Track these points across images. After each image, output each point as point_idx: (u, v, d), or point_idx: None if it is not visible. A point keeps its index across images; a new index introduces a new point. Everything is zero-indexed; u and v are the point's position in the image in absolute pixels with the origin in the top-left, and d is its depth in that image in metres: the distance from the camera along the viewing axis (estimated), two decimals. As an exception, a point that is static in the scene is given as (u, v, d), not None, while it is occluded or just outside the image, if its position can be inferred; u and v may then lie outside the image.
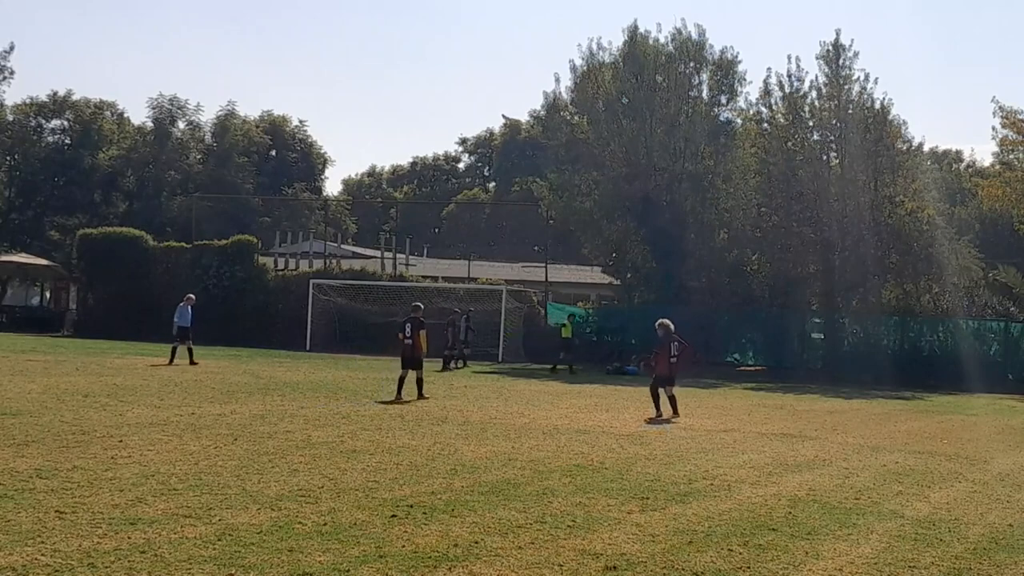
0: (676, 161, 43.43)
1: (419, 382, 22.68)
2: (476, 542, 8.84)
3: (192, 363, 29.65)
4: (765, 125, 44.41)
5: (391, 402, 21.39)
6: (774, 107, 43.78)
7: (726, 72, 44.59)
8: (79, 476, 10.82)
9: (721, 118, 45.34)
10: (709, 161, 44.12)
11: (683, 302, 41.48)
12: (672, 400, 21.15)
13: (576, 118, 46.30)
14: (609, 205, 44.44)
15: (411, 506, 10.13)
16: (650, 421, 19.91)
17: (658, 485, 12.12)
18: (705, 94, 44.90)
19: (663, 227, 42.55)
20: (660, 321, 22.08)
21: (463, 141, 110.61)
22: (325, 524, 9.19)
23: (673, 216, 42.69)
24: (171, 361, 29.66)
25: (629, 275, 46.38)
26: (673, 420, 20.23)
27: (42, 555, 7.76)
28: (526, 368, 37.69)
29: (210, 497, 10.06)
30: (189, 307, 31.31)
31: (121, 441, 13.55)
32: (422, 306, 24.17)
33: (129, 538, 8.36)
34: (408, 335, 22.62)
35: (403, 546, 8.60)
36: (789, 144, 43.08)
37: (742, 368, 39.08)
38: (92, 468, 11.35)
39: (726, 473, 13.34)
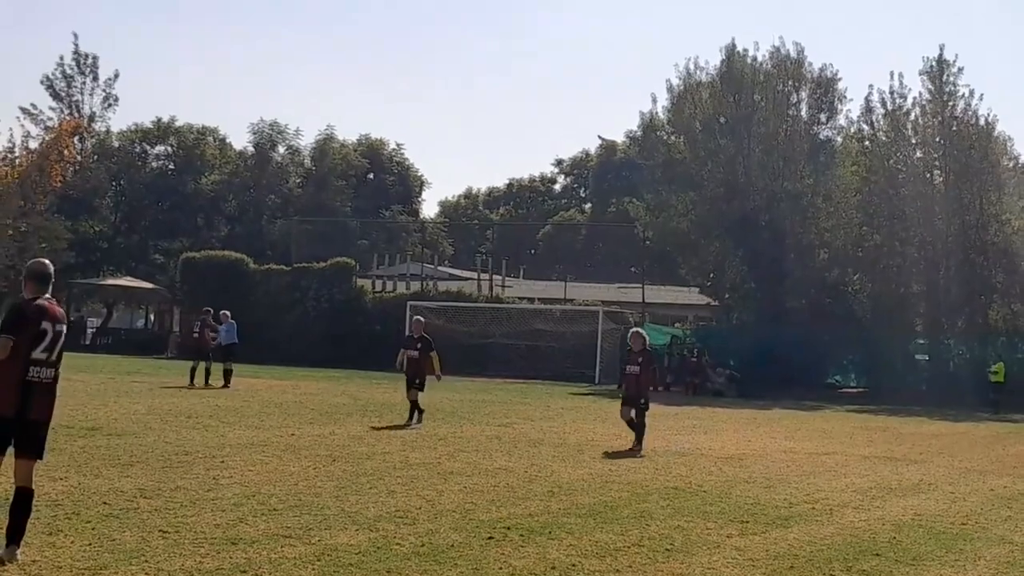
0: (775, 180, 42.98)
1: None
2: (574, 565, 8.77)
3: (225, 386, 28.17)
4: (866, 143, 43.84)
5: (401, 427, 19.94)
6: (876, 124, 43.22)
7: (826, 90, 44.09)
8: (182, 496, 10.97)
9: (821, 136, 44.84)
10: (808, 180, 43.57)
11: (782, 322, 41.00)
12: (632, 426, 18.00)
13: (673, 138, 46.15)
14: (706, 225, 44.11)
15: (508, 528, 10.09)
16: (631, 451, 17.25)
17: (758, 509, 11.93)
18: (804, 112, 44.44)
19: (761, 247, 42.11)
20: (634, 330, 19.49)
21: (559, 162, 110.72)
22: (423, 545, 9.19)
23: (772, 236, 42.23)
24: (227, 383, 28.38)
25: (727, 296, 45.97)
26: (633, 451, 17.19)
27: (146, 574, 7.87)
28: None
29: (309, 517, 10.13)
30: (233, 325, 30.23)
31: (223, 462, 13.72)
32: (423, 320, 23.05)
33: (230, 558, 8.44)
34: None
35: (500, 568, 8.56)
36: (891, 162, 42.44)
37: (843, 390, 38.42)
38: (194, 488, 11.50)
39: (828, 497, 13.09)
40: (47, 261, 8.69)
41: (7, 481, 8.53)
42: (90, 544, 8.68)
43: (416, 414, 20.57)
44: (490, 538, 9.61)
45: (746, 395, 34.78)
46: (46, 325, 8.19)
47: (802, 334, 40.13)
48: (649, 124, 46.76)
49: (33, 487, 8.22)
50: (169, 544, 8.77)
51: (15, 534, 8.05)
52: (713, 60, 45.27)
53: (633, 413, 17.92)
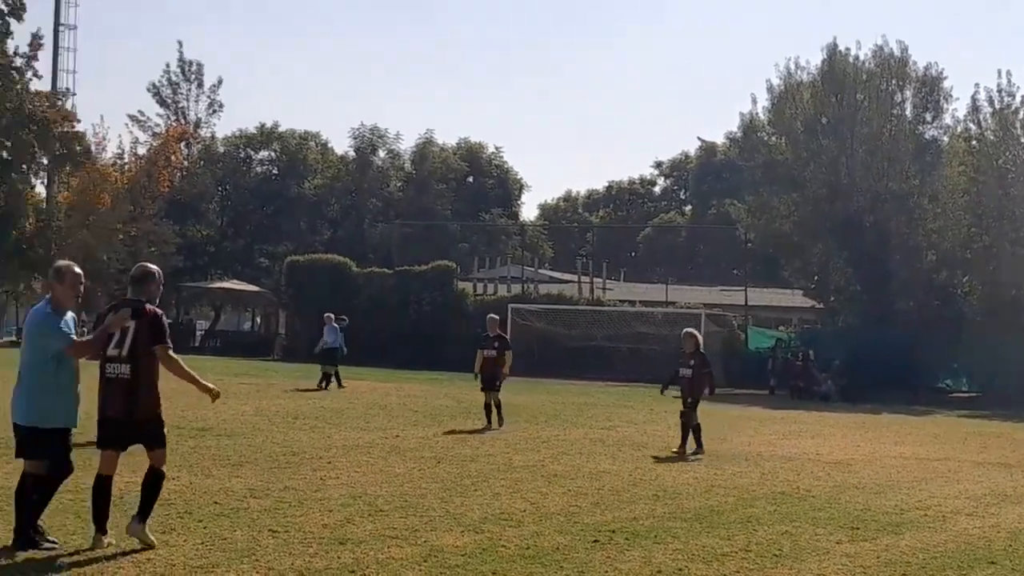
0: (879, 181, 42.23)
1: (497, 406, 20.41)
2: (680, 569, 8.72)
3: (320, 387, 28.26)
4: (974, 142, 42.84)
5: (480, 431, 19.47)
6: (983, 123, 42.21)
7: (931, 89, 43.21)
8: (290, 496, 11.13)
9: (926, 136, 43.93)
10: (914, 180, 42.73)
11: (889, 325, 40.27)
12: (689, 429, 17.63)
13: (774, 139, 45.59)
14: (810, 227, 43.52)
15: (613, 531, 10.05)
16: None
17: (868, 515, 11.72)
18: (909, 112, 43.58)
19: (866, 249, 41.40)
20: (687, 331, 18.83)
21: (658, 164, 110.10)
22: (528, 548, 9.20)
23: (877, 237, 41.50)
24: (326, 385, 28.49)
25: (832, 298, 45.31)
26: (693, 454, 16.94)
27: (257, 572, 8.01)
28: (726, 393, 37.09)
29: (415, 519, 10.21)
30: (337, 328, 30.24)
31: (329, 463, 13.89)
32: (498, 318, 21.85)
33: (339, 557, 8.54)
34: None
35: (605, 572, 8.54)
36: (1000, 162, 41.41)
37: (954, 394, 37.58)
38: (302, 488, 11.66)
39: (940, 503, 12.80)
40: (144, 264, 9.33)
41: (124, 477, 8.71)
42: (202, 543, 8.86)
43: (497, 417, 20.17)
44: (595, 541, 9.59)
45: (853, 399, 34.20)
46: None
47: (910, 337, 39.35)
48: (749, 125, 46.27)
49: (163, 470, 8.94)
50: (279, 543, 8.91)
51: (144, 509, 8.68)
52: (814, 60, 44.68)
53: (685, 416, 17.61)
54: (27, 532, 8.36)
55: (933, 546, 10.13)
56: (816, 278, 45.70)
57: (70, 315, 8.72)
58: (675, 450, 17.05)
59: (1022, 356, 40.21)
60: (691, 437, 17.36)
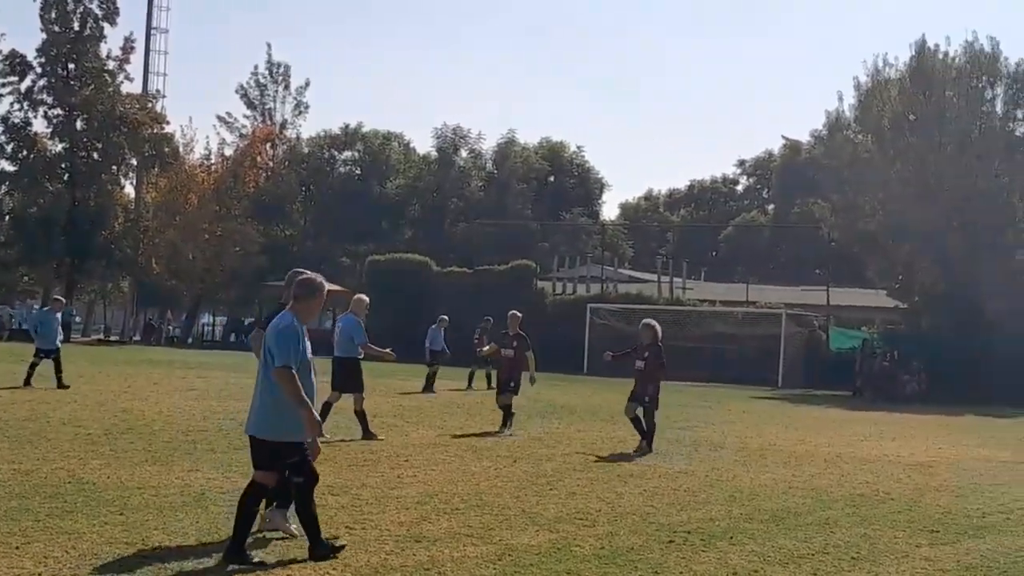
0: (968, 179, 41.45)
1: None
2: (755, 571, 8.67)
3: (426, 390, 28.20)
4: (1068, 139, 41.90)
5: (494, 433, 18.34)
6: (1077, 120, 41.27)
7: (1022, 85, 42.33)
8: (367, 494, 11.25)
9: (1017, 133, 43.02)
10: (1005, 179, 41.93)
11: (977, 327, 39.51)
12: (637, 424, 16.81)
13: (860, 137, 44.98)
14: (895, 226, 42.84)
15: (688, 532, 10.02)
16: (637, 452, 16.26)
17: (949, 518, 11.55)
18: (999, 109, 42.70)
19: (954, 249, 40.64)
20: (644, 321, 17.91)
21: (741, 163, 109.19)
22: (602, 548, 9.21)
23: (965, 237, 40.72)
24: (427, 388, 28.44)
25: (917, 299, 44.59)
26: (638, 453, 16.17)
27: (334, 569, 8.11)
28: (807, 394, 36.76)
29: (490, 517, 10.26)
30: (442, 330, 30.48)
31: (407, 460, 14.01)
32: (520, 315, 20.15)
33: (414, 555, 8.61)
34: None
35: (681, 572, 8.52)
36: (1094, 158, 40.47)
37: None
38: (379, 486, 11.78)
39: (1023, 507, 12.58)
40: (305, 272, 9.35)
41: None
42: (281, 540, 8.99)
43: (509, 420, 18.80)
44: (670, 542, 9.57)
45: (937, 401, 33.66)
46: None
47: (999, 339, 38.60)
48: (835, 122, 45.67)
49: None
50: (356, 540, 9.00)
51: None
52: (903, 56, 43.95)
53: (640, 411, 16.71)
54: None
55: (1016, 550, 9.96)
56: (901, 278, 44.99)
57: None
58: (634, 450, 16.27)
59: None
60: (639, 432, 16.65)
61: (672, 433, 19.78)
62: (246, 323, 61.46)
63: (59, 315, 25.08)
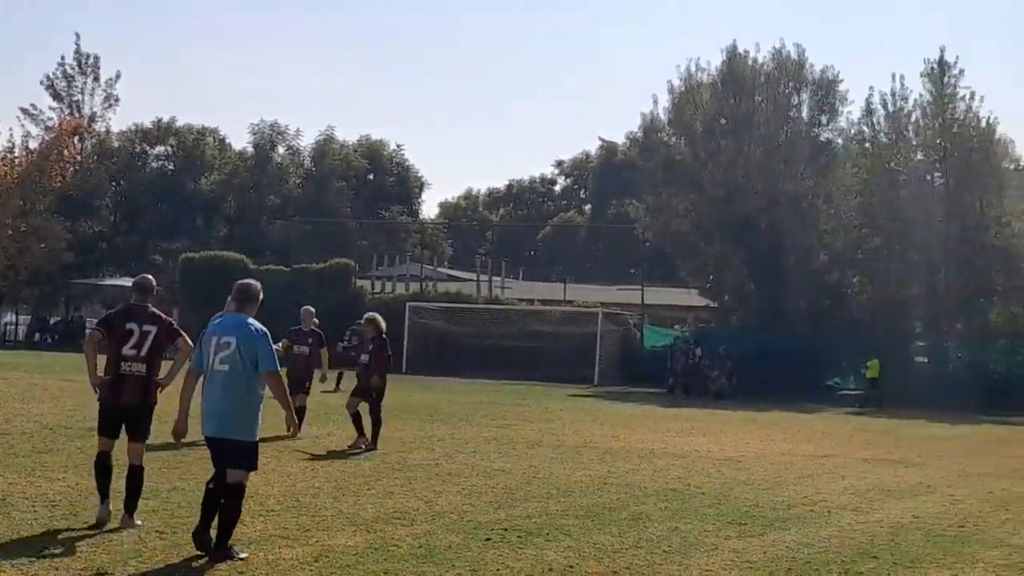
0: (775, 182, 42.89)
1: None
2: (571, 567, 8.77)
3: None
4: (867, 145, 43.72)
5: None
6: (876, 127, 43.09)
7: (827, 91, 43.99)
8: (178, 497, 10.97)
9: (821, 138, 44.73)
10: (809, 182, 43.54)
11: (782, 325, 40.96)
12: (357, 420, 16.33)
13: (673, 139, 46.06)
14: (707, 227, 44.06)
15: (506, 530, 10.09)
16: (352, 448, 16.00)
17: (756, 511, 11.93)
18: (805, 114, 44.32)
19: (762, 249, 42.04)
20: (367, 315, 17.72)
21: (559, 163, 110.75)
22: (420, 547, 9.19)
23: (772, 238, 42.17)
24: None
25: (727, 298, 45.91)
26: (360, 446, 15.90)
27: (142, 573, 7.89)
28: (621, 391, 37.48)
29: (307, 519, 10.14)
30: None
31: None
32: (313, 310, 19.82)
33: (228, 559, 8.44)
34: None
35: (498, 570, 8.56)
36: (892, 164, 42.37)
37: (842, 392, 38.38)
38: (191, 489, 11.45)
39: (826, 499, 13.08)
40: (148, 276, 10.38)
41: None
42: (88, 545, 8.69)
43: (297, 422, 18.08)
44: (488, 540, 9.61)
45: (745, 397, 34.75)
46: (131, 325, 9.61)
47: (802, 336, 40.10)
48: (650, 125, 46.65)
49: (142, 464, 9.65)
50: (167, 545, 8.79)
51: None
52: (715, 61, 45.19)
53: (365, 407, 16.27)
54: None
55: (818, 541, 10.34)
56: (712, 278, 46.22)
57: None
58: (350, 446, 15.96)
59: (908, 355, 41.33)
60: (359, 426, 16.22)
61: (490, 431, 19.91)
62: (52, 322, 59.32)
63: None
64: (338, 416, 20.81)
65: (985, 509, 12.97)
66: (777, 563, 9.31)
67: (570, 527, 10.41)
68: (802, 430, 24.34)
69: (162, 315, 10.02)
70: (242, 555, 8.46)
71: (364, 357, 16.86)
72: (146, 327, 9.70)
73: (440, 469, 14.14)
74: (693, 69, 44.53)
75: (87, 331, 9.49)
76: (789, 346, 39.49)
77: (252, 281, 9.41)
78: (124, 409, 9.63)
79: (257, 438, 8.92)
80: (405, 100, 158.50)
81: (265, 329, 8.93)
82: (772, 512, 11.90)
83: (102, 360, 9.82)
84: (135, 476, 9.59)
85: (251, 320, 9.00)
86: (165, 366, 9.93)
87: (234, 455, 8.71)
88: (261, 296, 9.29)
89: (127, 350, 9.60)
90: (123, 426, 9.73)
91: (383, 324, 16.88)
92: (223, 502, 8.63)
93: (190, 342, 9.85)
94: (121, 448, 9.83)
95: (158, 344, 9.76)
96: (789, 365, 38.43)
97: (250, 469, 8.87)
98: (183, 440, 9.60)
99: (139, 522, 9.43)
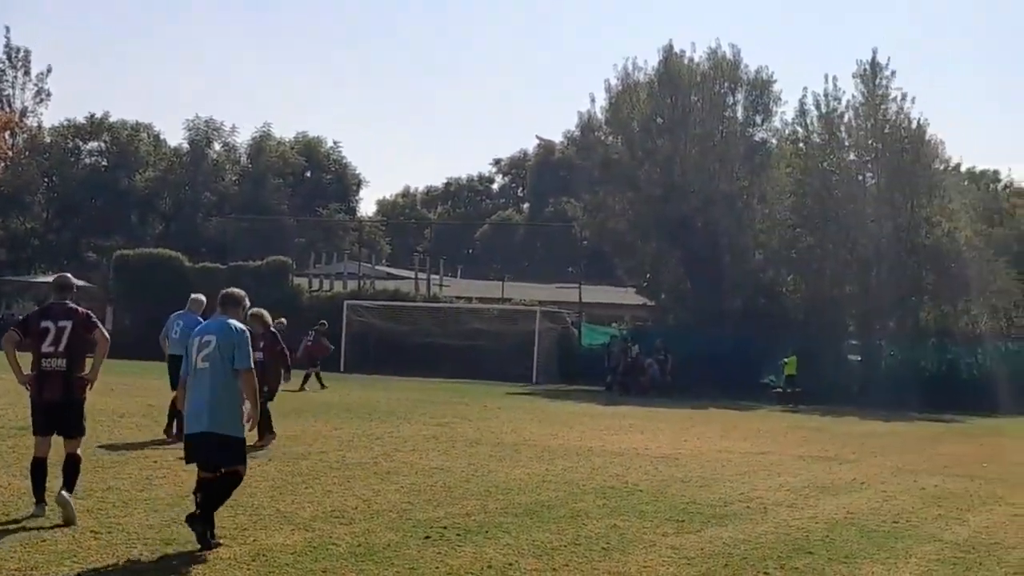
0: (711, 182, 43.17)
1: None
2: (510, 564, 8.81)
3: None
4: (800, 145, 44.11)
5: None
6: (810, 127, 43.45)
7: (761, 92, 44.34)
8: (114, 496, 10.87)
9: (756, 138, 45.07)
10: (744, 182, 43.87)
11: (718, 323, 41.26)
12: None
13: (611, 138, 46.19)
14: (643, 226, 44.26)
15: (445, 528, 10.10)
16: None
17: (694, 508, 12.04)
18: (740, 114, 44.63)
19: (697, 248, 42.34)
20: (252, 311, 15.61)
21: (497, 162, 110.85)
22: (359, 545, 9.18)
23: (708, 237, 42.45)
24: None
25: (664, 296, 46.17)
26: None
27: (81, 574, 7.81)
28: (560, 389, 37.60)
29: (244, 518, 10.08)
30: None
31: (156, 462, 13.60)
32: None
33: (164, 558, 8.40)
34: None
35: (437, 568, 8.58)
36: (824, 164, 42.79)
37: (777, 390, 38.82)
38: (127, 489, 11.41)
39: (762, 496, 13.23)
40: (66, 275, 10.52)
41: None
42: (22, 544, 8.61)
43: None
44: (427, 537, 9.62)
45: (681, 394, 34.98)
46: (47, 323, 9.78)
47: (737, 334, 40.43)
48: (587, 124, 46.71)
49: (77, 453, 9.90)
50: (102, 545, 8.71)
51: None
52: (652, 61, 45.32)
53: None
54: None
55: (755, 537, 10.46)
56: (649, 276, 46.45)
57: None
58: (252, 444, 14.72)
59: (841, 353, 41.83)
60: (262, 426, 14.87)
61: (429, 429, 19.89)
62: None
63: None
64: (274, 415, 20.69)
65: (918, 505, 13.18)
66: (714, 559, 9.41)
67: (509, 525, 10.44)
68: (738, 427, 24.57)
69: (78, 309, 10.07)
70: (218, 542, 8.87)
71: (258, 355, 16.44)
72: (61, 323, 9.81)
73: (379, 467, 14.11)
74: (630, 68, 44.66)
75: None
76: (725, 344, 39.80)
77: (236, 289, 9.79)
78: (50, 405, 9.75)
79: (244, 435, 9.42)
80: (342, 97, 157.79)
81: (245, 329, 9.31)
82: (709, 509, 12.02)
83: (27, 359, 9.87)
84: (71, 463, 9.82)
85: (232, 321, 9.34)
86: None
87: (225, 450, 9.01)
88: (247, 302, 9.67)
89: (46, 347, 9.76)
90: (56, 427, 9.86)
91: (270, 319, 16.07)
92: (219, 481, 9.08)
93: (107, 334, 10.07)
94: (57, 446, 9.78)
95: (77, 338, 9.84)
96: (725, 363, 38.72)
97: (241, 462, 9.28)
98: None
99: (73, 502, 9.58)
